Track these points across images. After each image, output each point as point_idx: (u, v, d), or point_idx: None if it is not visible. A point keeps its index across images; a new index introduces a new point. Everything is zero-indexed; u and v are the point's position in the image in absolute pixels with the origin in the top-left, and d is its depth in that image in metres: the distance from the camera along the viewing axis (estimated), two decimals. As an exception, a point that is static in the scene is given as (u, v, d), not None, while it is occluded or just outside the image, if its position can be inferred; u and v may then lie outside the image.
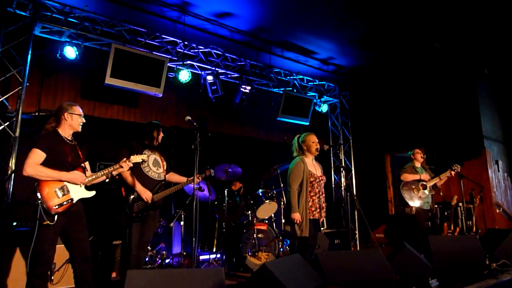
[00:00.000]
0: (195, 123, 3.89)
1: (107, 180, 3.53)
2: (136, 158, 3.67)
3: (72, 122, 3.38)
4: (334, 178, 8.74)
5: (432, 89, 8.47)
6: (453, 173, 5.48)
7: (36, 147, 3.12)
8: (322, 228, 4.54)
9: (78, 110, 3.44)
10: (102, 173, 3.45)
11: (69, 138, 3.40)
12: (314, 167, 4.26)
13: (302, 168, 4.11)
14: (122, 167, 3.52)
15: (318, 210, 4.13)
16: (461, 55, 7.32)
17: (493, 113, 8.47)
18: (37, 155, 3.11)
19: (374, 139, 9.40)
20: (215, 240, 6.15)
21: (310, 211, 4.04)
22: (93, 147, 5.61)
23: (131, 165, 3.61)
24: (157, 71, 5.74)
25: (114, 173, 3.55)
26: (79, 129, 3.45)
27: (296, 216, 3.96)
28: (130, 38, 5.70)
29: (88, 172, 3.47)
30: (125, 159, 3.58)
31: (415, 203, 5.31)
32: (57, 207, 3.09)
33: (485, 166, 7.64)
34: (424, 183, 5.41)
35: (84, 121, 3.47)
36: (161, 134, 4.29)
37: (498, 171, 8.05)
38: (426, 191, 5.37)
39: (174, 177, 4.43)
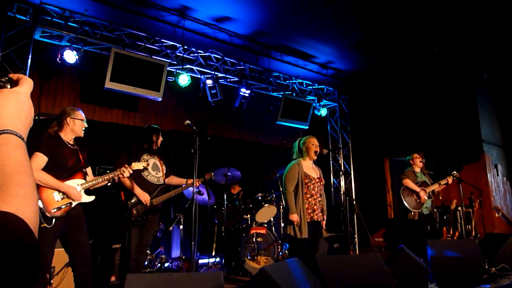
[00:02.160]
0: (194, 127, 3.90)
1: (108, 184, 3.54)
2: (138, 165, 3.69)
3: (75, 127, 3.39)
4: (333, 182, 8.74)
5: (431, 93, 8.49)
6: (450, 180, 5.47)
7: (39, 151, 3.13)
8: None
9: (81, 115, 3.45)
10: (103, 178, 3.46)
11: (71, 143, 3.41)
12: (311, 170, 4.27)
13: (296, 170, 4.13)
14: (123, 172, 3.53)
15: (317, 211, 4.13)
16: (460, 59, 7.35)
17: (492, 117, 8.49)
18: (39, 159, 3.11)
19: (373, 143, 9.42)
20: (214, 244, 6.15)
21: (307, 213, 4.05)
22: (92, 150, 5.61)
23: (131, 171, 3.63)
24: (157, 75, 5.76)
25: (115, 178, 3.55)
26: (82, 134, 3.45)
27: (294, 217, 3.98)
28: (130, 42, 5.72)
29: (89, 177, 3.47)
30: (126, 165, 3.59)
31: (414, 208, 5.32)
32: (55, 210, 3.09)
33: (484, 170, 7.65)
34: (424, 188, 5.42)
35: (86, 126, 3.48)
36: (160, 138, 4.30)
37: (497, 175, 8.06)
38: (426, 196, 5.37)
39: (173, 179, 4.43)
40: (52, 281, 4.05)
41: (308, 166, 4.27)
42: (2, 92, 0.78)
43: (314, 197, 4.14)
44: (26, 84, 0.82)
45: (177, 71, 6.22)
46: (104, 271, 4.69)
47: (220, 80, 6.65)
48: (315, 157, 4.29)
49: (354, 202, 5.29)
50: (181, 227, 5.58)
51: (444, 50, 6.95)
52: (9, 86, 0.80)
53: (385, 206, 9.16)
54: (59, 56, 5.25)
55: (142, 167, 3.74)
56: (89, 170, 3.52)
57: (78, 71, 6.04)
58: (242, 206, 6.10)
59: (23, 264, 0.56)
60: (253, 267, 5.40)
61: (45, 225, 3.03)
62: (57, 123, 3.41)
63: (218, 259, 5.97)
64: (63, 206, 3.15)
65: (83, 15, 5.29)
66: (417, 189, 5.36)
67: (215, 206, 6.12)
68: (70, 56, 5.26)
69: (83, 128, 3.46)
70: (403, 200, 5.34)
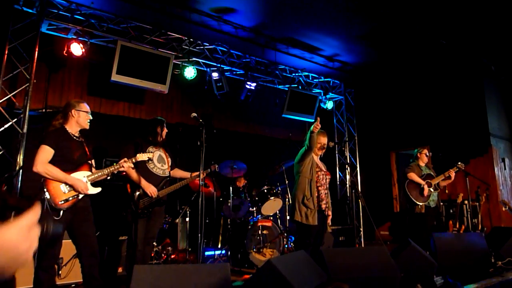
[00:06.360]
0: (200, 120, 3.90)
1: (108, 178, 3.53)
2: (142, 156, 3.69)
3: (80, 119, 3.40)
4: (339, 175, 8.73)
5: (438, 86, 8.42)
6: (452, 174, 5.42)
7: (45, 143, 3.15)
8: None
9: (86, 107, 3.46)
10: (108, 170, 3.47)
11: (76, 135, 3.42)
12: (320, 162, 4.30)
13: (310, 156, 4.12)
14: (122, 167, 3.52)
15: (324, 201, 4.13)
16: (468, 52, 7.27)
17: (500, 110, 8.41)
18: (46, 152, 3.14)
19: (379, 136, 9.38)
20: (220, 236, 6.18)
21: (317, 201, 4.06)
22: (99, 143, 5.65)
23: (131, 165, 3.61)
24: (163, 68, 5.76)
25: (115, 172, 3.55)
26: (87, 126, 3.47)
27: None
28: (136, 35, 5.71)
29: (94, 169, 3.49)
30: (125, 159, 3.57)
31: (420, 201, 5.30)
32: (62, 202, 3.12)
33: (491, 163, 7.60)
34: (429, 181, 5.40)
35: (91, 118, 3.50)
36: (165, 130, 4.28)
37: (505, 169, 8.00)
38: (431, 189, 5.36)
39: (178, 172, 4.43)
40: (60, 272, 4.11)
41: (317, 159, 4.28)
42: None
43: (323, 187, 4.15)
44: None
45: (183, 64, 6.21)
46: (111, 263, 4.74)
47: (226, 73, 6.63)
48: (320, 152, 4.30)
49: (360, 195, 5.27)
50: (187, 219, 5.61)
51: (451, 42, 6.88)
52: None
53: (391, 200, 9.14)
54: (65, 49, 5.26)
55: (147, 158, 3.74)
56: (92, 162, 3.53)
57: (84, 64, 6.05)
58: (248, 199, 6.12)
59: None
60: (259, 259, 5.43)
61: (54, 217, 3.06)
62: (62, 115, 3.41)
63: (224, 251, 6.00)
64: (70, 198, 3.18)
65: (89, 7, 5.29)
66: (422, 182, 5.36)
67: (221, 199, 6.14)
68: (77, 49, 5.27)
69: (88, 121, 3.47)
70: (409, 193, 5.33)
